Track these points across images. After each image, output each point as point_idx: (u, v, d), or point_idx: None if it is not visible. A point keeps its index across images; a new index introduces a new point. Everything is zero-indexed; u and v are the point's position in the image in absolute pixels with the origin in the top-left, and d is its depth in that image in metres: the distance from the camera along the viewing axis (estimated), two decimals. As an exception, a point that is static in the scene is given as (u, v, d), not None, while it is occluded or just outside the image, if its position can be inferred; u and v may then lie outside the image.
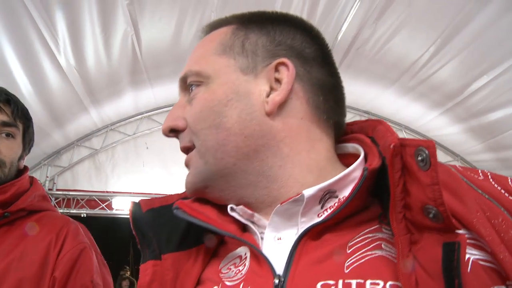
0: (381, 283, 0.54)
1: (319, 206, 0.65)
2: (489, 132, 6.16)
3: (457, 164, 3.68)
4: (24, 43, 4.14)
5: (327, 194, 0.65)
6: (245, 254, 0.68)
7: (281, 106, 0.69)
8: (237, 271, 0.66)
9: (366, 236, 0.60)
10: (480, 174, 0.63)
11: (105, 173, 6.58)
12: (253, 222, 0.70)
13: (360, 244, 0.59)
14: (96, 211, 6.45)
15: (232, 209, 0.71)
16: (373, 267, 0.56)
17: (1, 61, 4.10)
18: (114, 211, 6.49)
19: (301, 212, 0.65)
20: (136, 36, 4.79)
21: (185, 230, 0.73)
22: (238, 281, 0.64)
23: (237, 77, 0.70)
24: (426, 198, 0.52)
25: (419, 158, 0.53)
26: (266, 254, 0.63)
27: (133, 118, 6.76)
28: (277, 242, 0.65)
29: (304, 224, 0.64)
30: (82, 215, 6.31)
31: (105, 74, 5.26)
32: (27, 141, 1.59)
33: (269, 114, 0.68)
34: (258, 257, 0.64)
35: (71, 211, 6.28)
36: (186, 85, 0.76)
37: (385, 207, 0.60)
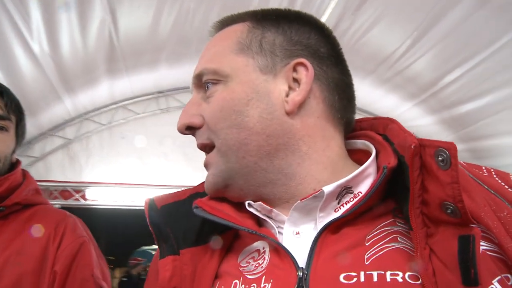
0: (400, 273, 0.57)
1: (336, 201, 0.67)
2: (460, 123, 6.32)
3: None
4: (-4, 29, 4.02)
5: (344, 189, 0.67)
6: (263, 248, 0.70)
7: (300, 105, 0.71)
8: (257, 265, 0.68)
9: (383, 229, 0.63)
10: (484, 170, 0.67)
11: (79, 163, 6.46)
12: (269, 217, 0.71)
13: (377, 237, 0.62)
14: (70, 202, 6.34)
15: (249, 205, 0.72)
16: (392, 259, 0.59)
17: (-28, 47, 3.98)
18: (88, 202, 6.40)
19: (320, 208, 0.67)
20: (113, 24, 4.69)
21: (200, 225, 0.74)
22: (259, 274, 0.66)
23: (256, 77, 0.71)
24: (445, 195, 0.55)
25: (440, 158, 0.56)
26: (287, 247, 0.65)
27: (108, 107, 6.64)
28: (295, 237, 0.67)
29: (322, 218, 0.67)
30: (56, 206, 6.20)
31: (80, 62, 5.14)
32: (20, 134, 1.58)
33: (289, 114, 0.70)
34: (278, 250, 0.66)
35: (45, 202, 6.16)
36: (201, 83, 0.76)
37: (401, 202, 0.64)
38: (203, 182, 0.82)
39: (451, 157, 0.55)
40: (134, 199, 6.65)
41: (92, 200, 6.44)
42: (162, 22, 4.93)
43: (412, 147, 0.59)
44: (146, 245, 9.11)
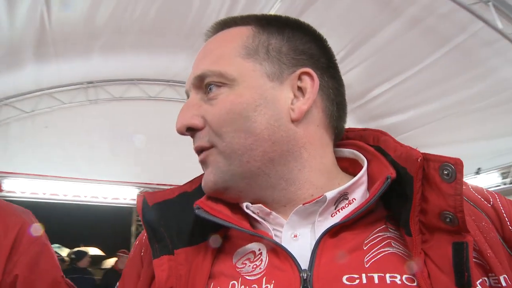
0: (398, 276, 0.62)
1: (334, 207, 0.71)
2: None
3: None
4: None
5: (342, 196, 0.71)
6: (259, 249, 0.71)
7: (304, 114, 0.73)
8: (255, 266, 0.69)
9: (377, 235, 0.68)
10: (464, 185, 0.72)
11: (-5, 151, 6.07)
12: (265, 220, 0.73)
13: (373, 242, 0.66)
14: (-16, 193, 5.94)
15: (247, 206, 0.74)
16: (389, 262, 0.64)
17: None
18: (4, 194, 6.01)
19: (319, 212, 0.70)
20: (47, 6, 4.46)
21: (193, 225, 0.74)
22: (259, 275, 0.67)
23: (264, 83, 0.72)
24: (446, 206, 0.60)
25: (445, 172, 0.61)
26: (288, 249, 0.67)
27: (32, 94, 6.29)
28: (293, 239, 0.70)
29: (320, 223, 0.70)
30: (-34, 196, 5.77)
31: (4, 42, 4.82)
32: None
33: (294, 121, 0.72)
34: (278, 252, 0.68)
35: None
36: (201, 84, 0.75)
37: (395, 210, 0.69)
38: (190, 181, 0.82)
39: (456, 171, 0.60)
40: (57, 192, 6.34)
41: (9, 192, 6.05)
42: (100, 10, 4.76)
43: (419, 160, 0.63)
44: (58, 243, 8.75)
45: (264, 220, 0.73)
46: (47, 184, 6.31)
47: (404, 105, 6.06)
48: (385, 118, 6.26)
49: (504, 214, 0.69)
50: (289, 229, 0.71)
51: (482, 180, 5.76)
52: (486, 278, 0.62)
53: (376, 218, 0.70)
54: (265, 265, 0.68)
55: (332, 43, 0.81)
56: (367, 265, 0.63)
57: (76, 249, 8.10)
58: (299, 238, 0.70)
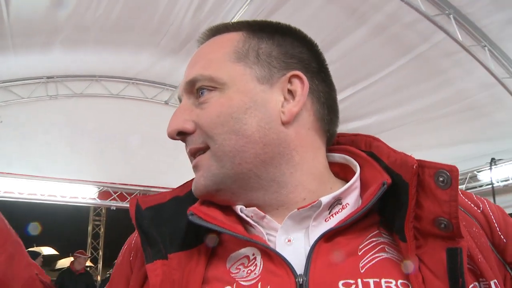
0: (393, 281, 0.62)
1: (328, 212, 0.71)
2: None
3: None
4: None
5: (336, 201, 0.71)
6: (253, 254, 0.70)
7: (295, 117, 0.74)
8: (249, 271, 0.69)
9: (371, 240, 0.68)
10: None
11: None
12: (258, 224, 0.73)
13: (368, 247, 0.67)
14: None
15: (241, 210, 0.73)
16: (384, 267, 0.64)
17: None
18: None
19: (314, 217, 0.70)
20: (5, -4, 4.28)
21: (185, 230, 0.74)
22: (254, 281, 0.67)
23: (254, 86, 0.73)
24: (441, 212, 0.61)
25: (440, 178, 0.62)
26: (282, 254, 0.67)
27: (-14, 87, 6.04)
28: (287, 244, 0.70)
29: (314, 227, 0.70)
30: None
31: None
32: None
33: (284, 124, 0.73)
34: (272, 257, 0.67)
35: None
36: (193, 89, 0.76)
37: (388, 215, 0.69)
38: (181, 185, 0.83)
39: (452, 178, 0.61)
40: (11, 190, 6.10)
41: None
42: (63, 5, 4.60)
43: (414, 167, 0.64)
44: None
45: (258, 224, 0.73)
46: (1, 181, 6.06)
47: (367, 111, 6.19)
48: (349, 122, 6.35)
49: (494, 220, 0.71)
50: (283, 234, 0.71)
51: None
52: (477, 283, 0.63)
53: (369, 223, 0.71)
54: (260, 270, 0.68)
55: (298, 48, 0.81)
56: (363, 270, 0.64)
57: (28, 249, 7.83)
58: (293, 243, 0.70)
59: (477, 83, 5.04)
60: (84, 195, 6.77)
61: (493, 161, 5.36)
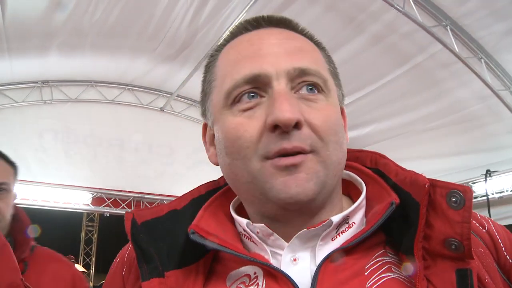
0: None
1: (335, 231, 0.69)
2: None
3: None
4: None
5: (344, 220, 0.69)
6: (255, 273, 0.68)
7: None
8: None
9: (378, 260, 0.66)
10: None
11: None
12: (263, 241, 0.70)
13: (374, 267, 0.65)
14: None
15: (247, 225, 0.70)
16: (391, 287, 0.63)
17: None
18: None
19: (322, 236, 0.67)
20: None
21: (183, 246, 0.71)
22: None
23: (337, 104, 0.73)
24: (452, 232, 0.60)
25: (453, 199, 0.61)
26: (287, 273, 0.65)
27: (-20, 91, 5.98)
28: (293, 263, 0.67)
29: (321, 246, 0.67)
30: None
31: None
32: None
33: None
34: (276, 277, 0.65)
35: None
36: (298, 79, 0.68)
37: (395, 235, 0.68)
38: (178, 198, 0.78)
39: (465, 199, 0.60)
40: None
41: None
42: (59, 9, 4.58)
43: (426, 186, 0.63)
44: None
45: (263, 242, 0.70)
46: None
47: (363, 120, 6.18)
48: (344, 132, 6.35)
49: (500, 240, 0.70)
50: (289, 252, 0.68)
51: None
52: None
53: (375, 242, 0.69)
54: None
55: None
56: None
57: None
58: (299, 262, 0.67)
59: (473, 95, 5.05)
60: (77, 200, 6.70)
61: (488, 173, 5.34)
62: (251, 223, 0.70)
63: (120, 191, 6.79)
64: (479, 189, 5.56)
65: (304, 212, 0.68)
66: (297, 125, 0.64)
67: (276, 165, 0.64)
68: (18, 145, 5.94)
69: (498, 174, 5.30)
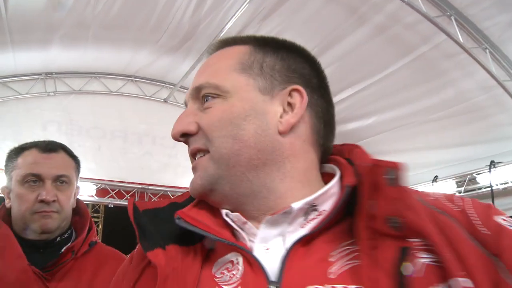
0: None
1: (303, 218, 0.74)
2: (344, 140, 6.73)
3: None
4: None
5: (311, 207, 0.74)
6: (237, 259, 0.73)
7: (291, 128, 0.78)
8: (231, 275, 0.71)
9: (347, 247, 0.69)
10: (431, 195, 0.76)
11: None
12: (242, 229, 0.76)
13: (341, 254, 0.68)
14: None
15: (226, 214, 0.77)
16: (354, 274, 0.65)
17: None
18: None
19: (288, 223, 0.73)
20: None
21: (182, 232, 0.77)
22: (234, 284, 0.70)
23: (255, 96, 0.78)
24: (390, 210, 0.64)
25: (390, 176, 0.65)
26: (260, 260, 0.70)
27: (-17, 83, 5.99)
28: (265, 250, 0.73)
29: (290, 233, 0.73)
30: None
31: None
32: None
33: (281, 133, 0.77)
34: (251, 263, 0.70)
35: None
36: (198, 95, 0.81)
37: (356, 219, 0.70)
38: (181, 194, 0.88)
39: (400, 176, 0.64)
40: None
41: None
42: (61, 1, 4.58)
43: (367, 165, 0.68)
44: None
45: (241, 229, 0.76)
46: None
47: (366, 111, 6.17)
48: (347, 123, 6.33)
49: (475, 214, 0.70)
50: (262, 240, 0.74)
51: (439, 188, 5.90)
52: (440, 285, 0.61)
53: (345, 229, 0.72)
54: (241, 274, 0.71)
55: (297, 48, 0.83)
56: (332, 276, 0.65)
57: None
58: (271, 249, 0.73)
59: (478, 85, 5.01)
60: (81, 192, 6.72)
61: (492, 164, 5.33)
62: (230, 212, 0.77)
63: (124, 182, 6.82)
64: (484, 180, 5.55)
65: (226, 202, 0.78)
66: (185, 135, 0.80)
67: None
68: (22, 137, 5.94)
69: (502, 165, 5.28)
